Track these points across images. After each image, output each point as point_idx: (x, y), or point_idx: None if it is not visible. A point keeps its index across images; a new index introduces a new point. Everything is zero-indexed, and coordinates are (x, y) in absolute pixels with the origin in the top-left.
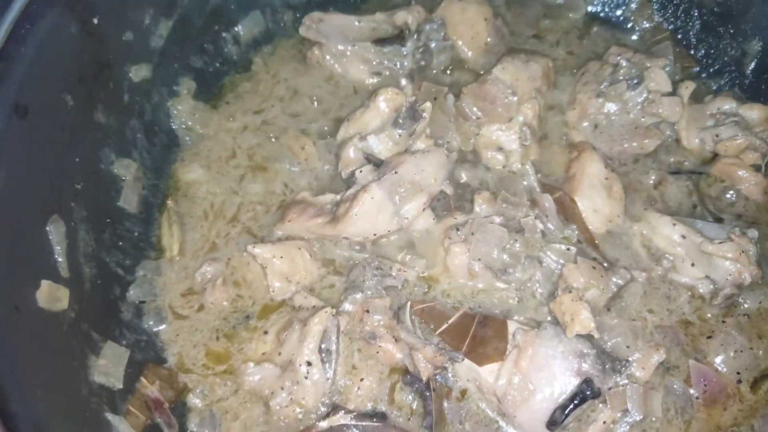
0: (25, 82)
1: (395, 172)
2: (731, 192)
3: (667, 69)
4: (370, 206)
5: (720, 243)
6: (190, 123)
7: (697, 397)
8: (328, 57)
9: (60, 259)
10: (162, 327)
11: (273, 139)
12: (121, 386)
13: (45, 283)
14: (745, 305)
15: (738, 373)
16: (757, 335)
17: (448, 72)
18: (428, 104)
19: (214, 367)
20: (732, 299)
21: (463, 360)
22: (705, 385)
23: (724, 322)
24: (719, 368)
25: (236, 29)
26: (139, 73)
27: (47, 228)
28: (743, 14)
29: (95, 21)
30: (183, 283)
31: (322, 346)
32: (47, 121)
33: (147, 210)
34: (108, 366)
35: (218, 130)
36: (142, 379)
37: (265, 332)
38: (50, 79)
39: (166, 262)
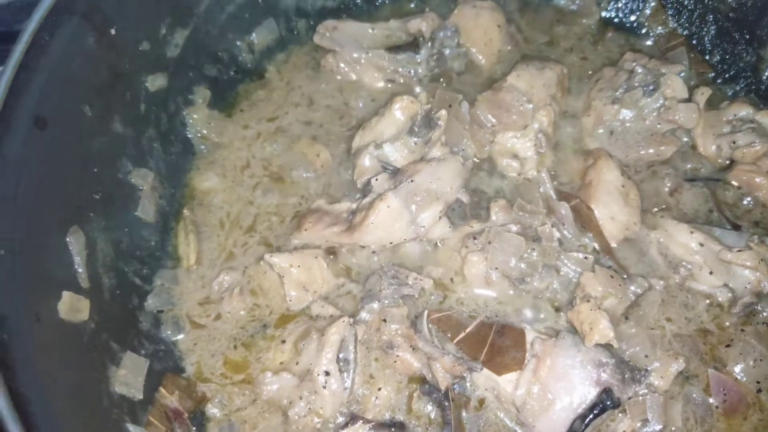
0: (45, 94)
1: (411, 181)
2: (748, 198)
3: (682, 75)
4: (387, 215)
5: (738, 251)
6: (205, 132)
7: (716, 407)
8: (342, 64)
9: (80, 270)
10: (180, 336)
11: (288, 148)
12: (141, 397)
13: (66, 295)
14: (764, 313)
15: (758, 382)
16: None
17: (462, 78)
18: (443, 112)
19: (233, 377)
20: (751, 307)
21: (482, 369)
22: (725, 394)
23: (743, 330)
24: (738, 377)
25: (250, 37)
26: (155, 82)
27: (67, 239)
28: (759, 20)
29: (112, 32)
30: (200, 292)
31: (340, 355)
32: (66, 132)
33: (163, 219)
34: (128, 376)
35: (233, 138)
36: (162, 389)
37: (283, 341)
38: (69, 91)
39: (183, 271)
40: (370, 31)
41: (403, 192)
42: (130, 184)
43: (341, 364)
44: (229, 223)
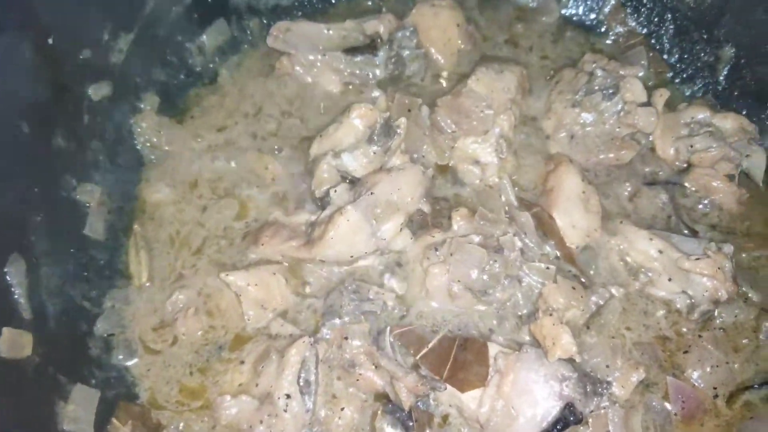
0: None
1: (371, 193)
2: (705, 202)
3: (641, 75)
4: (347, 228)
5: (696, 259)
6: (155, 140)
7: (675, 414)
8: (297, 67)
9: (21, 301)
10: (132, 361)
11: (236, 162)
12: None
13: (6, 331)
14: (721, 319)
15: (714, 388)
16: (732, 349)
17: (422, 80)
18: (403, 119)
19: (190, 404)
20: (708, 314)
21: (445, 389)
22: (683, 401)
23: (700, 336)
24: (696, 383)
25: (201, 39)
26: (99, 91)
27: (6, 269)
28: (717, 20)
29: (50, 41)
30: (153, 316)
31: (301, 376)
32: (2, 153)
33: (112, 235)
34: (77, 411)
35: (183, 148)
36: (114, 420)
37: (242, 362)
38: (4, 109)
39: (135, 290)
40: (326, 32)
41: (363, 204)
42: (75, 201)
43: (302, 385)
44: (179, 242)
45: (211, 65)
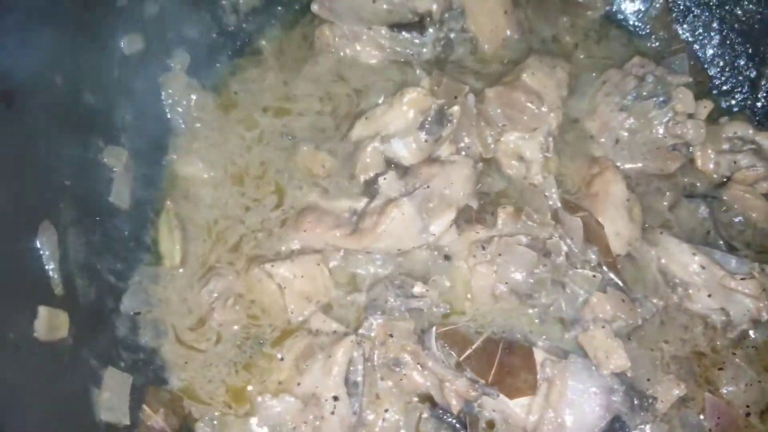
0: (12, 64)
1: (427, 186)
2: (740, 218)
3: (688, 83)
4: (400, 222)
5: (742, 279)
6: (184, 103)
7: (710, 430)
8: (338, 39)
9: (54, 275)
10: (161, 344)
11: (287, 156)
12: (128, 422)
13: (43, 310)
14: (754, 337)
15: (747, 405)
16: (764, 368)
17: (465, 65)
18: (456, 108)
19: (237, 408)
20: (745, 333)
21: (498, 396)
22: (718, 418)
23: (734, 354)
24: (730, 401)
25: None
26: (131, 44)
27: (38, 239)
28: (764, 36)
29: None
30: (189, 317)
31: (349, 378)
32: (35, 108)
33: (138, 206)
34: (112, 399)
35: (216, 121)
36: (145, 408)
37: (281, 359)
38: (37, 57)
39: (165, 270)
40: (374, 3)
41: (419, 198)
42: (102, 164)
43: (350, 387)
44: (216, 232)
45: (245, 27)
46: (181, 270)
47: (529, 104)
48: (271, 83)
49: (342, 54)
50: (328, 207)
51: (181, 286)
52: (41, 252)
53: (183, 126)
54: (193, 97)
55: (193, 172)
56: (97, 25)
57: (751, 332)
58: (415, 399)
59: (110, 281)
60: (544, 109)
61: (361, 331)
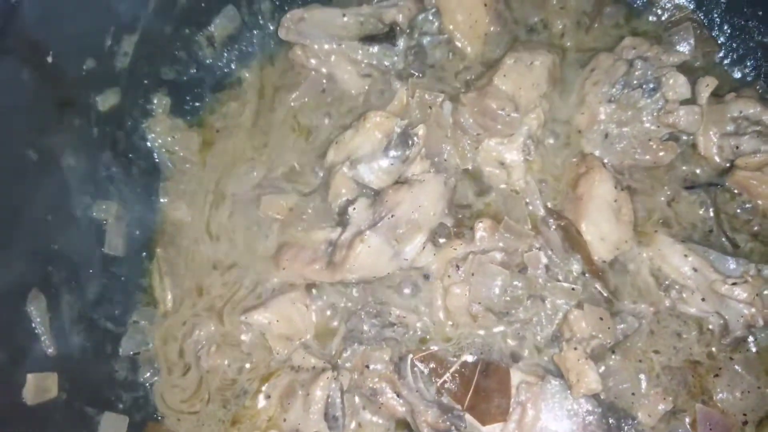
0: None
1: (392, 216)
2: (748, 206)
3: (687, 55)
4: (367, 254)
5: (733, 284)
6: (169, 141)
7: None
8: (312, 60)
9: (44, 338)
10: (158, 378)
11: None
12: None
13: (30, 378)
14: (754, 341)
15: (744, 414)
16: (765, 372)
17: (445, 69)
18: (422, 127)
19: None
20: (742, 337)
21: (466, 427)
22: (710, 428)
23: (731, 359)
24: (725, 409)
25: (209, 29)
26: (106, 101)
27: (27, 308)
28: None
29: (50, 59)
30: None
31: (328, 412)
32: (11, 184)
33: (132, 250)
34: None
35: (200, 165)
36: None
37: (268, 396)
38: (8, 141)
39: (160, 314)
40: (342, 18)
41: (384, 229)
42: (91, 219)
43: (330, 421)
44: (197, 278)
45: (223, 58)
46: (173, 314)
47: (500, 112)
48: (248, 120)
49: (318, 73)
50: (305, 241)
51: (174, 329)
52: (31, 319)
53: (171, 166)
54: (178, 137)
55: (179, 217)
56: (68, 92)
57: (750, 337)
58: (394, 426)
59: (107, 327)
60: (515, 114)
61: (339, 362)
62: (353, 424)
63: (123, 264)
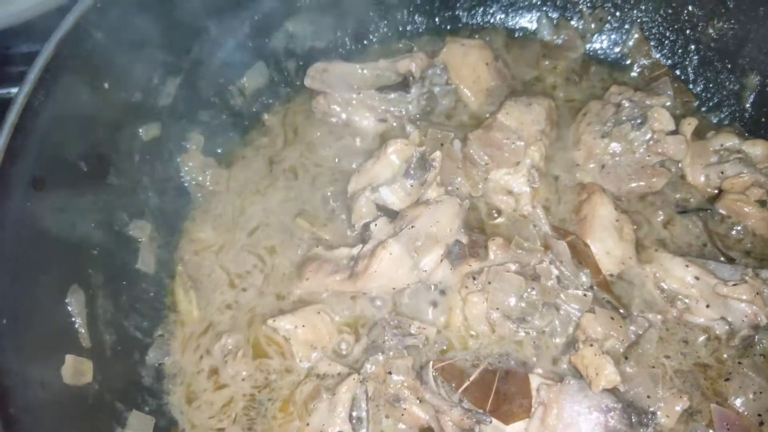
0: (41, 155)
1: (412, 227)
2: (738, 228)
3: (667, 105)
4: (389, 262)
5: (734, 285)
6: (200, 179)
7: None
8: (334, 106)
9: (82, 330)
10: (180, 390)
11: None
12: None
13: (69, 358)
14: (761, 345)
15: (759, 414)
16: None
17: (453, 115)
18: (438, 153)
19: None
20: (749, 340)
21: (491, 422)
22: (728, 428)
23: (740, 363)
24: (740, 411)
25: (241, 81)
26: (149, 132)
27: (67, 300)
28: (739, 49)
29: (106, 86)
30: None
31: (353, 413)
32: (64, 190)
33: (162, 269)
34: None
35: (229, 193)
36: None
37: (293, 403)
38: (65, 149)
39: (186, 327)
40: (360, 71)
41: (404, 238)
42: (128, 236)
43: (354, 422)
44: (224, 290)
45: (252, 107)
46: (199, 326)
47: (505, 140)
48: (277, 152)
49: (338, 119)
50: (329, 256)
51: (199, 341)
52: (70, 311)
53: (200, 197)
54: (209, 173)
55: (204, 237)
56: (117, 118)
57: (757, 338)
58: None
59: (137, 336)
60: (520, 143)
61: (362, 371)
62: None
63: (152, 281)
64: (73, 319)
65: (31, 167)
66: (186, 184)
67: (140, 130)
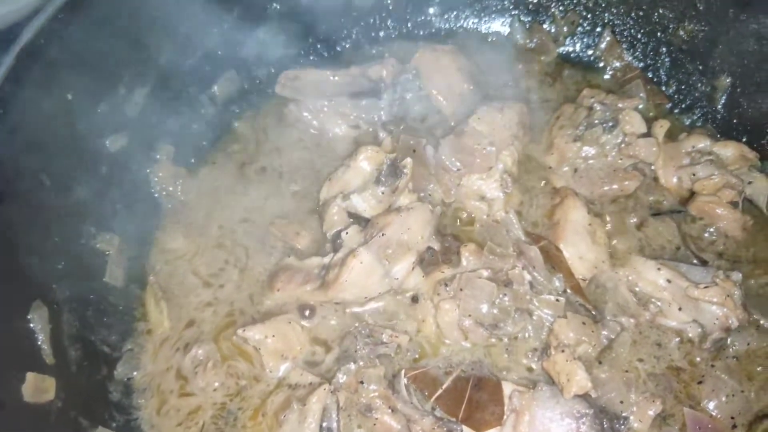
0: (0, 168)
1: (382, 234)
2: (711, 229)
3: (639, 107)
4: (360, 271)
5: (705, 287)
6: (170, 189)
7: None
8: (305, 113)
9: (44, 347)
10: (149, 406)
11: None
12: None
13: (30, 376)
14: (734, 347)
15: (732, 417)
16: (746, 377)
17: (425, 121)
18: (409, 160)
19: None
20: (721, 342)
21: (461, 430)
22: None
23: (713, 366)
24: (713, 414)
25: (212, 90)
26: (116, 143)
27: (29, 316)
28: (710, 51)
29: (69, 97)
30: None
31: (323, 424)
32: (24, 205)
33: (131, 282)
34: None
35: (200, 201)
36: None
37: (263, 414)
38: (26, 162)
39: (156, 338)
40: (332, 78)
41: (375, 246)
42: (94, 249)
43: None
44: (195, 301)
45: (224, 115)
46: (169, 337)
47: (477, 146)
48: (247, 159)
49: (310, 126)
50: (300, 266)
51: (170, 352)
52: (32, 327)
53: (170, 207)
54: (179, 183)
55: (176, 246)
56: (82, 130)
57: (729, 341)
58: None
59: (104, 351)
60: (492, 148)
61: (334, 381)
62: None
63: (121, 294)
64: (36, 335)
65: None
66: (156, 195)
67: (107, 142)
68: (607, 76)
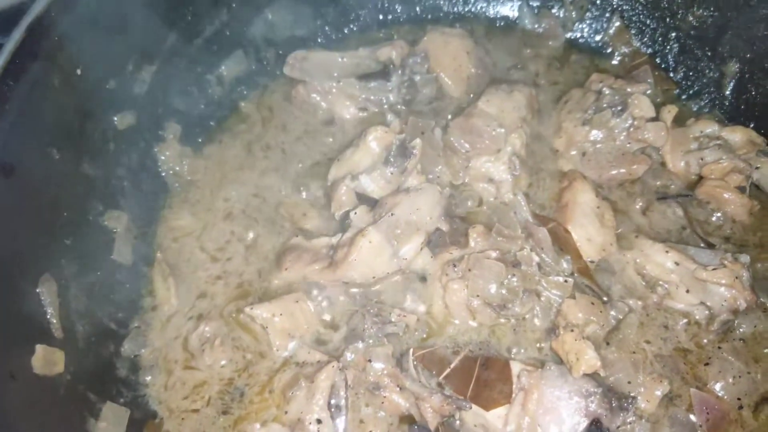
0: (10, 140)
1: (391, 214)
2: (718, 214)
3: (648, 93)
4: (369, 250)
5: (713, 269)
6: (177, 168)
7: (700, 425)
8: (313, 95)
9: (53, 320)
10: (157, 382)
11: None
12: None
13: (40, 348)
14: (741, 329)
15: (738, 398)
16: (753, 359)
17: (433, 104)
18: (418, 140)
19: None
20: (728, 324)
21: (470, 407)
22: (707, 413)
23: (719, 347)
24: (720, 395)
25: (220, 70)
26: (123, 120)
27: (38, 289)
28: (719, 37)
29: (78, 72)
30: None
31: (331, 401)
32: (34, 177)
33: (138, 260)
34: (109, 429)
35: (207, 180)
36: None
37: (270, 391)
38: (35, 135)
39: (164, 315)
40: (340, 59)
41: (384, 226)
42: (102, 226)
43: (333, 410)
44: (204, 277)
45: (231, 95)
46: (177, 313)
47: (486, 128)
48: (253, 139)
49: (318, 108)
50: (308, 246)
51: (178, 329)
52: (42, 300)
53: (177, 186)
54: (186, 162)
55: (183, 224)
56: (90, 106)
57: (736, 323)
58: (397, 421)
59: (111, 327)
60: (501, 129)
61: (342, 359)
62: (356, 421)
63: (128, 272)
64: (45, 308)
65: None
66: (163, 174)
67: (115, 119)
68: (615, 62)
